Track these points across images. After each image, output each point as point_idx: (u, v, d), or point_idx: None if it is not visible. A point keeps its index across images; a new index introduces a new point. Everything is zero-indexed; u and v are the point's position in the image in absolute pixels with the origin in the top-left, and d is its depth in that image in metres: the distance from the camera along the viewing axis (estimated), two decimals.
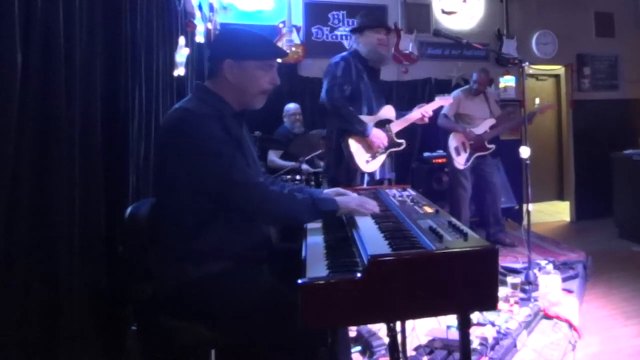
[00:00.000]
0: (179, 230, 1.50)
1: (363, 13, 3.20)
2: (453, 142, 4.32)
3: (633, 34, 6.00)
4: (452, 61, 5.33)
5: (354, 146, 2.89)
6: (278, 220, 1.71)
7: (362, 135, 2.86)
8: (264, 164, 3.93)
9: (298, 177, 3.77)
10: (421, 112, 3.06)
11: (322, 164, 4.19)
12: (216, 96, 1.59)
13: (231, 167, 1.46)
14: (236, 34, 1.65)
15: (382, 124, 3.00)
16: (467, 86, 4.61)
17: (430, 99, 4.70)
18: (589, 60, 5.88)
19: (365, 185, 2.85)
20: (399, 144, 3.04)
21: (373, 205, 1.67)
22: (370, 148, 2.91)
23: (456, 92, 4.55)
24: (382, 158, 2.99)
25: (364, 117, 2.90)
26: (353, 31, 3.07)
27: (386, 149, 2.98)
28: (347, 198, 1.69)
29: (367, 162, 2.92)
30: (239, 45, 1.58)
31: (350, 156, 2.87)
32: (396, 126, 3.04)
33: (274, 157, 4.30)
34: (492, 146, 4.38)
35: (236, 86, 1.58)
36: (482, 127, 4.36)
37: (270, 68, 1.61)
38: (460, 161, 4.31)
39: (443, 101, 3.36)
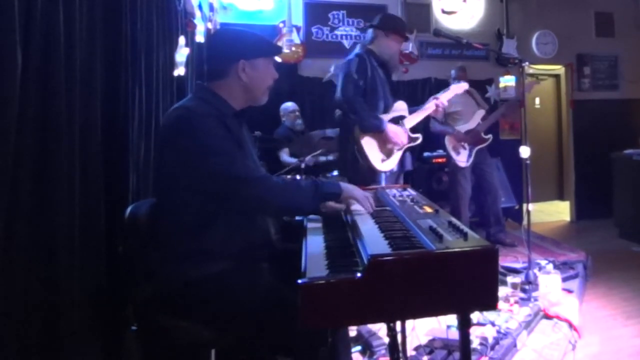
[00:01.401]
0: (179, 230, 1.51)
1: (391, 15, 3.16)
2: (449, 143, 4.32)
3: (633, 34, 6.00)
4: (452, 61, 5.32)
5: (368, 145, 2.83)
6: (283, 210, 1.70)
7: (377, 130, 2.81)
8: (264, 164, 3.93)
9: (298, 176, 3.77)
10: (435, 103, 3.03)
11: (320, 157, 4.20)
12: (217, 96, 1.60)
13: (232, 163, 1.46)
14: (242, 35, 1.67)
15: (396, 120, 2.94)
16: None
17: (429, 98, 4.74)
18: (589, 60, 5.89)
19: (383, 184, 2.81)
20: (415, 139, 3.00)
21: (371, 203, 1.68)
22: (385, 145, 2.86)
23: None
24: (398, 155, 2.93)
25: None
26: (378, 28, 2.99)
27: (403, 145, 2.94)
28: (352, 186, 1.70)
29: (382, 160, 2.87)
30: (250, 45, 1.63)
31: (364, 156, 2.82)
32: (410, 121, 2.99)
33: (285, 156, 4.29)
34: (489, 136, 4.36)
35: (248, 85, 1.61)
36: (474, 121, 4.35)
37: (271, 63, 1.68)
38: (462, 159, 4.31)
39: (458, 88, 3.32)
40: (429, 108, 3.04)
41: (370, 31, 3.06)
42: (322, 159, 4.14)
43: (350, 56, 2.94)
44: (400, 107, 3.00)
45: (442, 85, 5.05)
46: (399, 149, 2.92)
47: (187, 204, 1.50)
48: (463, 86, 3.34)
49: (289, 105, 4.48)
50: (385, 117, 2.90)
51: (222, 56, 1.62)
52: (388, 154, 2.88)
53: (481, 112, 4.40)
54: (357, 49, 3.03)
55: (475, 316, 2.57)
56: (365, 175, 2.85)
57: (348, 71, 2.85)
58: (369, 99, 2.87)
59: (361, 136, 2.84)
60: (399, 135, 2.85)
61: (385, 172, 2.90)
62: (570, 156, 6.00)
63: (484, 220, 4.64)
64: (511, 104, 4.39)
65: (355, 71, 2.83)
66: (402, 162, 3.03)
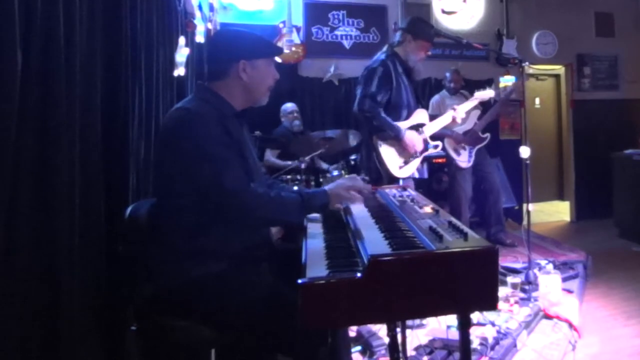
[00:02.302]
0: (179, 229, 1.51)
1: (421, 20, 3.14)
2: (449, 145, 4.32)
3: (633, 34, 6.00)
4: (452, 61, 5.32)
5: (386, 152, 2.88)
6: (270, 224, 1.73)
7: (396, 139, 2.86)
8: (263, 164, 3.94)
9: (298, 177, 3.77)
10: (452, 115, 3.13)
11: (322, 164, 4.23)
12: (218, 96, 1.60)
13: (223, 172, 1.45)
14: (243, 35, 1.67)
15: (415, 128, 2.99)
16: (443, 91, 4.68)
17: (429, 99, 4.76)
18: (589, 60, 5.89)
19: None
20: (434, 147, 3.05)
21: (363, 187, 1.66)
22: (404, 153, 2.90)
23: (435, 98, 4.65)
24: (416, 162, 2.98)
25: (398, 123, 2.89)
26: (407, 32, 3.00)
27: (421, 152, 2.98)
28: (337, 184, 1.67)
29: (399, 167, 2.91)
30: (250, 45, 1.63)
31: (382, 163, 2.88)
32: (429, 129, 3.04)
33: (270, 156, 4.30)
34: (487, 135, 4.36)
35: (249, 85, 1.61)
36: (471, 121, 4.34)
37: (272, 64, 1.68)
38: (463, 159, 4.31)
39: (481, 96, 3.38)
40: (446, 119, 3.12)
41: (398, 33, 3.07)
42: (324, 166, 4.15)
43: (374, 64, 2.93)
44: (420, 115, 3.04)
45: (441, 85, 5.08)
46: (417, 156, 2.96)
47: (186, 204, 1.50)
48: (488, 93, 3.41)
49: (288, 106, 4.49)
50: (405, 124, 2.94)
51: (222, 56, 1.62)
52: (406, 160, 2.93)
53: (477, 112, 4.40)
54: (383, 51, 3.03)
55: (475, 316, 2.57)
56: (385, 180, 2.89)
57: (368, 83, 2.86)
58: (392, 106, 2.91)
59: (379, 143, 2.89)
60: (416, 143, 2.90)
61: (402, 179, 2.92)
62: (570, 156, 6.00)
63: (484, 220, 4.64)
64: (503, 101, 4.38)
65: (377, 84, 2.84)
66: (420, 170, 3.09)
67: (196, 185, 1.47)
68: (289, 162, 3.91)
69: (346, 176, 1.79)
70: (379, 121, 2.84)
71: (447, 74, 4.60)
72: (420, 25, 3.06)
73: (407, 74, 2.99)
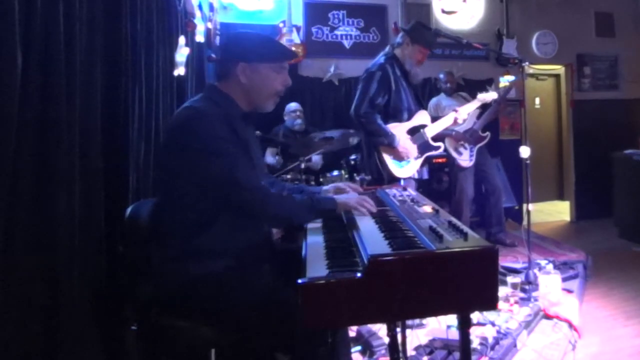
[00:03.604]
0: (181, 228, 1.51)
1: (422, 25, 3.16)
2: (450, 144, 4.32)
3: (633, 34, 6.00)
4: (452, 61, 5.32)
5: (387, 153, 2.92)
6: (278, 222, 1.74)
7: (390, 146, 2.90)
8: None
9: (298, 177, 3.77)
10: (454, 117, 3.18)
11: (320, 160, 4.22)
12: (225, 96, 1.60)
13: (234, 168, 1.47)
14: (248, 37, 1.67)
15: (416, 129, 3.02)
16: (441, 93, 4.69)
17: (429, 99, 4.76)
18: (589, 60, 5.88)
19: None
20: (436, 148, 3.08)
21: (371, 205, 1.68)
22: (399, 157, 2.95)
23: (432, 100, 4.65)
24: (418, 162, 3.01)
25: (398, 125, 2.91)
26: (407, 33, 3.03)
27: (422, 153, 3.01)
28: (346, 196, 1.71)
29: (400, 167, 2.95)
30: (252, 48, 1.60)
31: (383, 163, 2.91)
32: (431, 130, 3.06)
33: (268, 155, 4.27)
34: (487, 133, 4.37)
35: (249, 88, 1.60)
36: (470, 120, 4.32)
37: (282, 70, 1.64)
38: (464, 159, 4.31)
39: (484, 99, 3.41)
40: (447, 120, 3.15)
41: (400, 34, 3.10)
42: (315, 158, 4.13)
43: (372, 68, 2.96)
44: (421, 116, 3.06)
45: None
46: (418, 157, 3.00)
47: (189, 203, 1.50)
48: (491, 95, 3.44)
49: (292, 105, 4.48)
50: (406, 126, 2.96)
51: (225, 57, 1.64)
52: (406, 162, 2.97)
53: (476, 111, 4.39)
54: (384, 52, 3.06)
55: (475, 316, 2.57)
56: (387, 180, 2.92)
57: (366, 87, 2.89)
58: (392, 109, 2.94)
59: (379, 146, 2.93)
60: (407, 148, 2.93)
61: (404, 179, 2.95)
62: (570, 156, 6.00)
63: (484, 221, 4.64)
64: (502, 99, 4.38)
65: (375, 88, 2.87)
66: (419, 171, 3.12)
67: (205, 183, 1.48)
68: (288, 164, 3.89)
69: (351, 184, 1.83)
70: (373, 127, 2.88)
71: (441, 76, 4.62)
72: (420, 30, 3.07)
73: (405, 77, 3.01)
